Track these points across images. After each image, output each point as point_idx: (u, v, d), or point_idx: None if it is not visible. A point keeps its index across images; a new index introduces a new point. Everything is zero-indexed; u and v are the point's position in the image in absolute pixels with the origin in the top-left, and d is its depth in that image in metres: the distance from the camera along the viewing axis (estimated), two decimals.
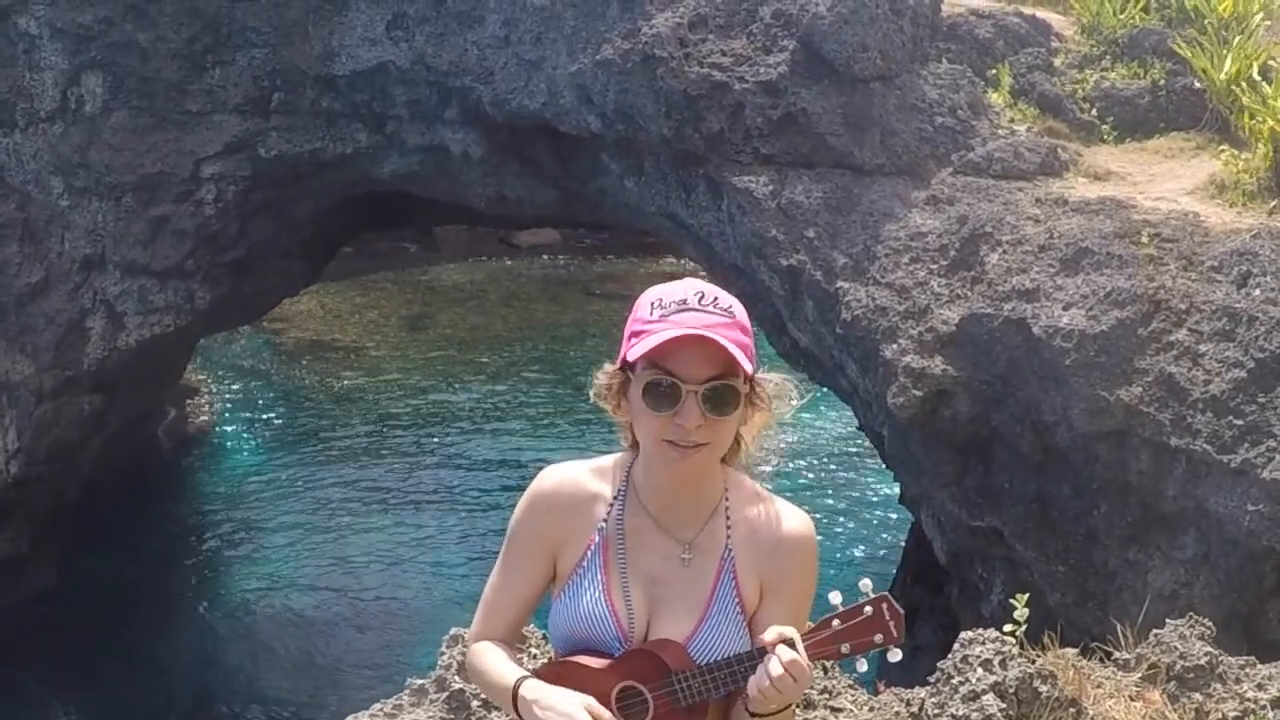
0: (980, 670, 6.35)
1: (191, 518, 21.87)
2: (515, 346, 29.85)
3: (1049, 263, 11.45)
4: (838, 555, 19.30)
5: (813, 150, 13.05)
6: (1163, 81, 13.70)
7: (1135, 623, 7.46)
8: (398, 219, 23.53)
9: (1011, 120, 13.48)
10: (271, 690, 17.19)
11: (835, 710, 6.47)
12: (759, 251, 13.18)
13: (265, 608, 18.94)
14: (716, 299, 3.73)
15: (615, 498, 3.98)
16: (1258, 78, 13.01)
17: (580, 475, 4.05)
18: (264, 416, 25.99)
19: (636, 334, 3.73)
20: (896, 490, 15.84)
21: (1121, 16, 14.28)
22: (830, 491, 21.94)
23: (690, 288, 3.76)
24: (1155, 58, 13.90)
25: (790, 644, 3.55)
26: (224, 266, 17.16)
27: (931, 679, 6.58)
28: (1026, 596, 6.76)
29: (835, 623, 3.61)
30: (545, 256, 35.98)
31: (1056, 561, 11.25)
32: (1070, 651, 6.78)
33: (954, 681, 6.39)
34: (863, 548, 20.15)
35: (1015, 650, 6.48)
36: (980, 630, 6.65)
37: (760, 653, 3.61)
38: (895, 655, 3.62)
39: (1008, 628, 6.60)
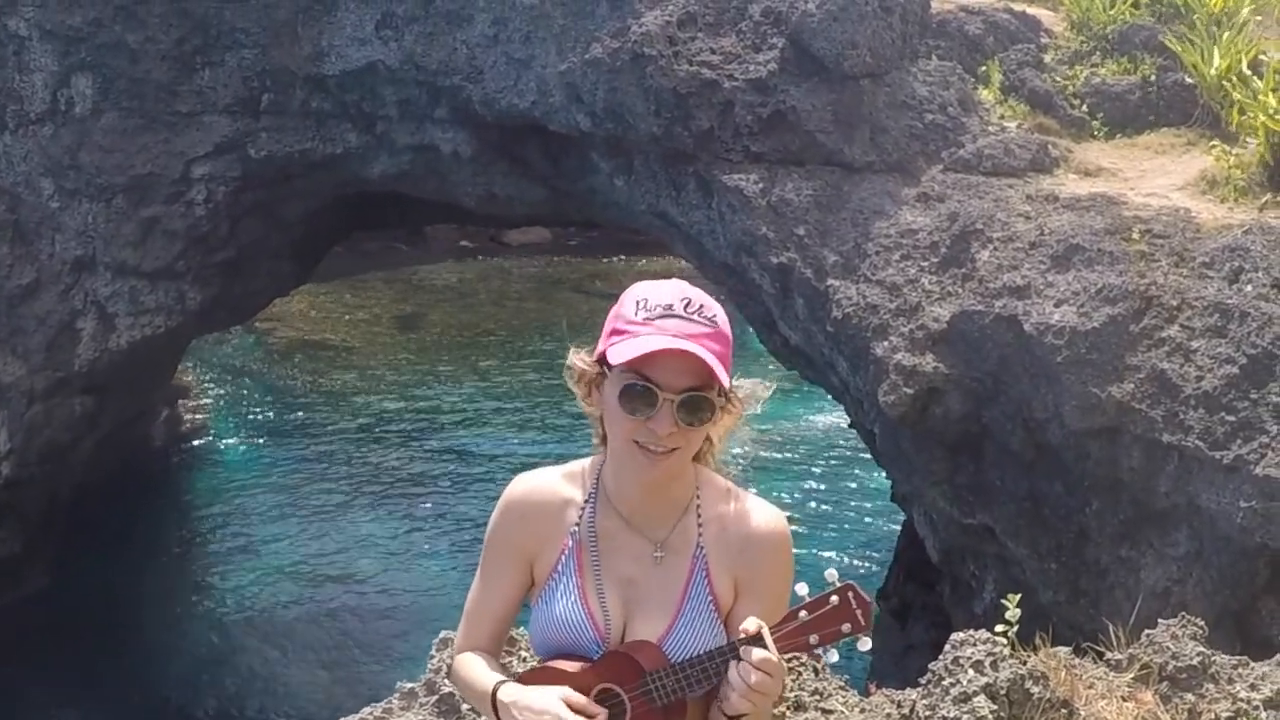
0: (971, 671, 6.33)
1: (184, 518, 21.85)
2: (506, 345, 29.87)
3: (1040, 259, 11.44)
4: (829, 554, 19.26)
5: (802, 148, 13.05)
6: (1153, 77, 13.70)
7: (1128, 621, 7.46)
8: (388, 219, 23.51)
9: (1002, 117, 13.48)
10: (262, 692, 17.16)
11: (826, 712, 6.45)
12: (749, 249, 13.16)
13: (256, 610, 18.92)
14: (702, 307, 3.71)
15: (587, 501, 3.97)
16: (1248, 72, 13.00)
17: (551, 481, 4.05)
18: (256, 416, 25.97)
19: (619, 332, 3.72)
20: (888, 488, 15.84)
21: (1111, 12, 14.27)
22: (821, 490, 21.93)
23: (677, 292, 3.74)
24: (1145, 53, 13.90)
25: (759, 640, 3.53)
26: (214, 267, 17.14)
27: (923, 680, 6.56)
28: (1018, 597, 6.73)
29: (802, 614, 3.58)
30: (536, 256, 35.98)
31: (1048, 559, 11.24)
32: (1062, 651, 6.75)
33: (945, 683, 6.37)
34: (854, 546, 20.12)
35: (1006, 651, 6.46)
36: (971, 631, 6.63)
37: (731, 648, 3.60)
38: (865, 644, 3.59)
39: (999, 628, 6.58)
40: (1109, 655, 6.84)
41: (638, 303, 3.73)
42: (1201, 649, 6.63)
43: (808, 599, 3.60)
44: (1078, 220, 11.61)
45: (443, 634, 6.83)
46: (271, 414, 26.12)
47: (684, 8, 13.56)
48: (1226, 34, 13.40)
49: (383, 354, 29.48)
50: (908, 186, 12.72)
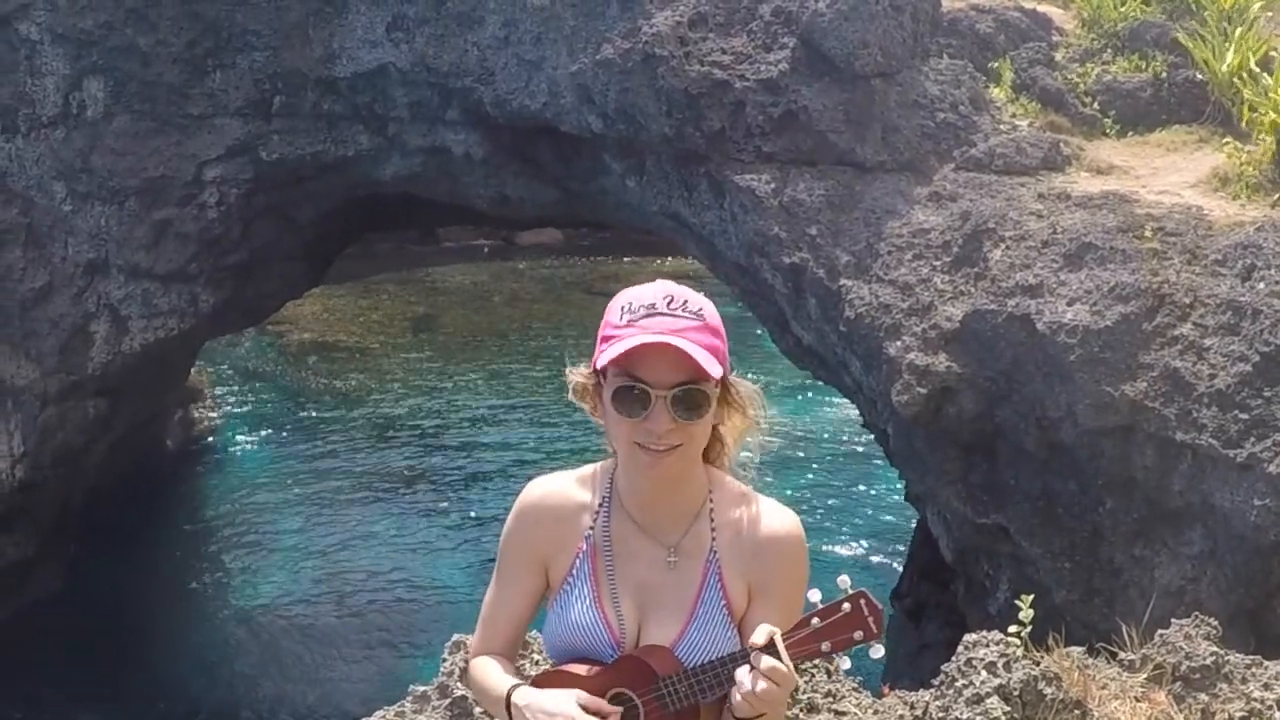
0: (984, 673, 6.33)
1: (197, 521, 21.89)
2: (519, 346, 29.89)
3: (1052, 258, 11.43)
4: (844, 554, 19.28)
5: (814, 148, 13.04)
6: (1164, 74, 13.67)
7: (1141, 619, 7.44)
8: (400, 220, 23.53)
9: (1013, 115, 13.46)
10: (276, 694, 17.19)
11: (839, 714, 6.45)
12: (761, 250, 13.16)
13: (271, 611, 18.95)
14: (686, 302, 3.72)
15: (600, 506, 3.97)
16: (1258, 69, 12.98)
17: (565, 485, 4.05)
18: (269, 418, 26.01)
19: (607, 339, 3.73)
20: (902, 488, 15.83)
21: (1122, 9, 14.26)
22: (835, 489, 21.93)
23: (660, 291, 3.74)
24: (1156, 50, 13.88)
25: (772, 647, 3.53)
26: (227, 270, 17.15)
27: (935, 681, 6.56)
28: (1031, 598, 6.72)
29: (814, 621, 3.58)
30: (548, 257, 36.00)
31: (1062, 558, 11.23)
32: (1075, 651, 6.75)
33: (958, 684, 6.37)
34: (868, 546, 20.11)
35: (1019, 652, 6.46)
36: (984, 632, 6.63)
37: (743, 654, 3.60)
38: (877, 651, 3.58)
39: (1012, 629, 6.57)
40: (1122, 655, 6.84)
41: (622, 308, 3.74)
42: (1215, 649, 6.62)
43: (820, 606, 3.59)
44: (1090, 218, 11.60)
45: (455, 637, 6.83)
46: (285, 415, 26.15)
47: (695, 8, 13.55)
48: (1238, 31, 13.37)
49: (396, 355, 29.51)
50: (920, 186, 12.71)
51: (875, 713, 6.52)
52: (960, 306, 11.67)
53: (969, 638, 6.63)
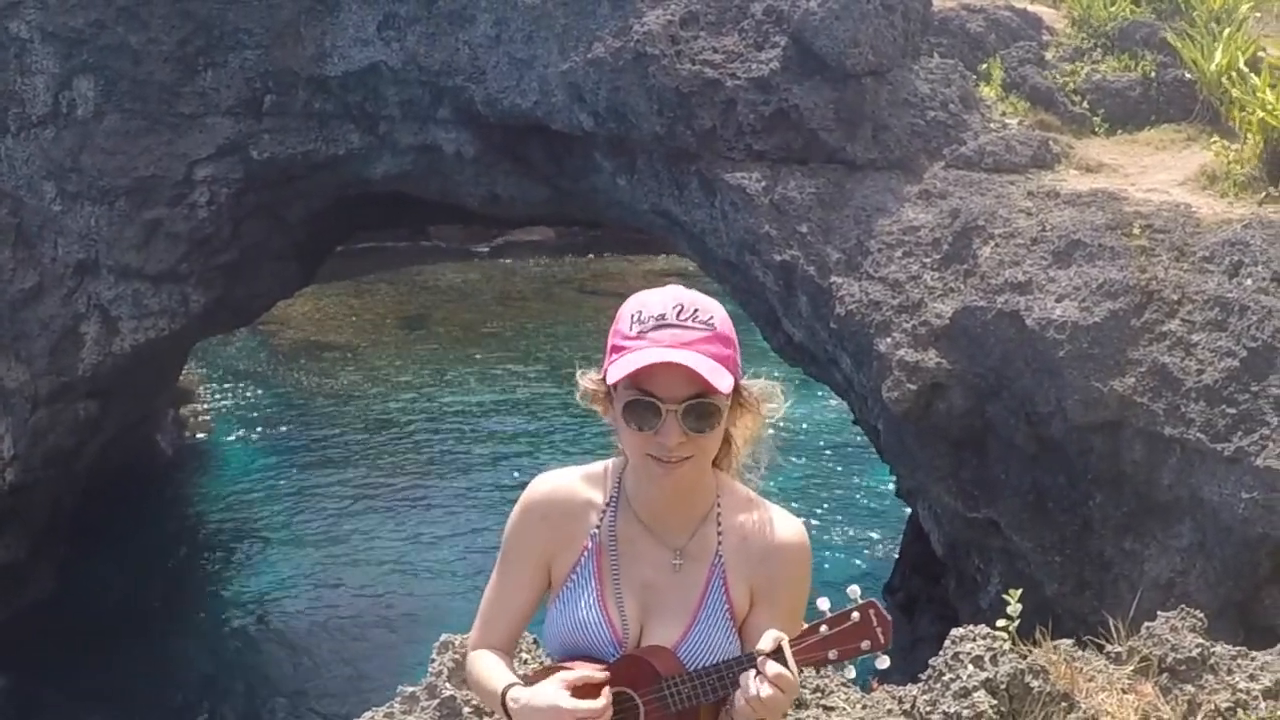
0: (971, 667, 6.35)
1: (190, 522, 21.86)
2: (511, 345, 29.86)
3: (1041, 255, 11.47)
4: (835, 549, 19.29)
5: (805, 146, 13.07)
6: (1153, 73, 13.73)
7: (1130, 612, 7.47)
8: (391, 219, 23.53)
9: (1003, 114, 13.51)
10: (266, 694, 17.16)
11: (828, 709, 6.47)
12: (752, 248, 13.18)
13: (261, 612, 18.93)
14: (696, 311, 3.67)
15: (608, 505, 3.96)
16: (1246, 69, 13.02)
17: (572, 482, 4.03)
18: (261, 418, 25.97)
19: (617, 349, 3.69)
20: (893, 483, 15.86)
21: (1112, 9, 14.31)
22: (826, 485, 21.94)
23: (670, 300, 3.70)
24: (1146, 50, 13.93)
25: (779, 654, 3.54)
26: (218, 269, 17.13)
27: (923, 676, 6.58)
28: (1019, 592, 6.74)
29: (823, 629, 3.57)
30: (539, 255, 36.00)
31: (1053, 552, 11.27)
32: (1064, 644, 6.77)
33: (945, 678, 6.39)
34: (860, 541, 20.13)
35: (1006, 646, 6.47)
36: (971, 627, 6.65)
37: (749, 659, 3.59)
38: (884, 662, 3.57)
39: (1000, 623, 6.59)
40: (1109, 648, 6.86)
41: (632, 316, 3.69)
42: (1201, 641, 6.65)
43: (829, 614, 3.59)
44: (1079, 216, 11.64)
45: (444, 637, 6.83)
46: (276, 416, 26.12)
47: (686, 7, 13.58)
48: (1226, 31, 13.42)
49: (387, 355, 29.49)
50: (910, 184, 12.75)
51: (864, 708, 6.54)
52: (950, 303, 11.71)
53: (956, 632, 6.65)
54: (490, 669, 4.00)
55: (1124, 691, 6.42)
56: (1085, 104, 13.77)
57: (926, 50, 13.78)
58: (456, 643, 6.69)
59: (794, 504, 17.01)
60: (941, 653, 6.57)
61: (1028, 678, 6.27)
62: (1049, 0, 15.39)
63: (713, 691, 3.68)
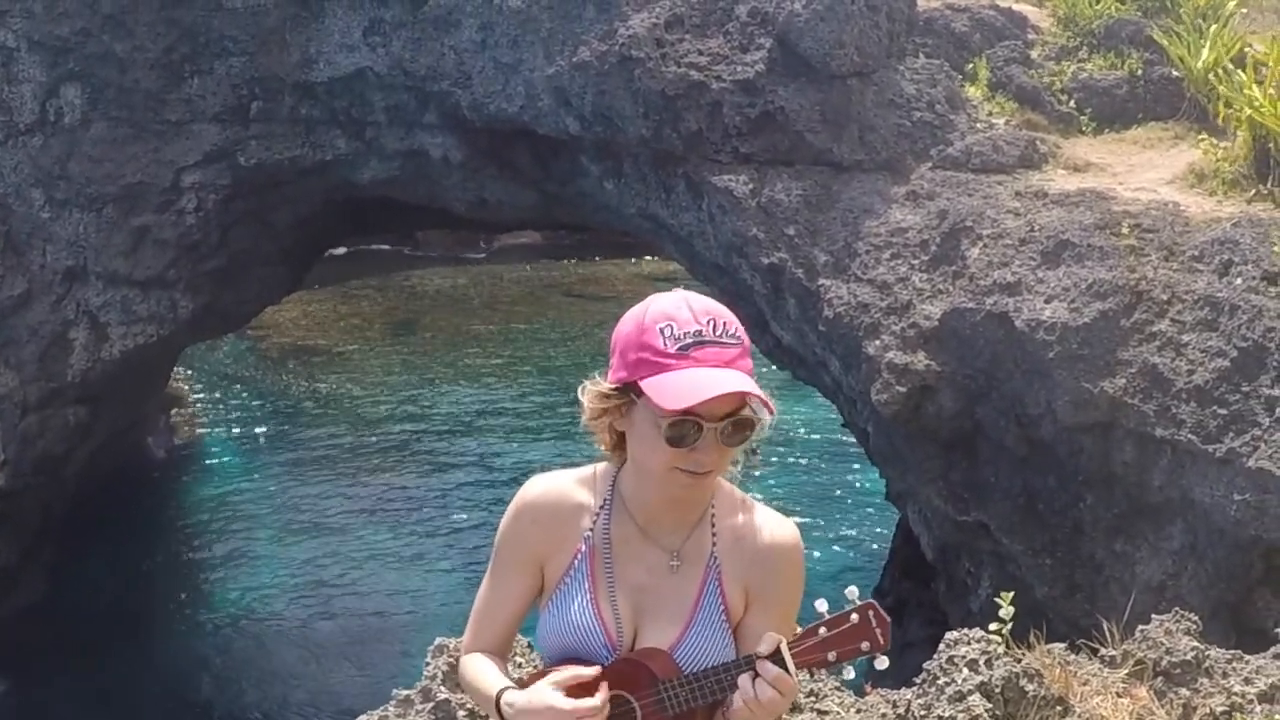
0: (966, 670, 6.34)
1: (180, 526, 21.85)
2: (499, 349, 29.88)
3: (1030, 256, 11.46)
4: (825, 553, 19.30)
5: (791, 148, 13.06)
6: (1140, 71, 13.73)
7: (1123, 615, 7.46)
8: (378, 224, 23.51)
9: (990, 113, 13.51)
10: (258, 699, 17.18)
11: (822, 713, 6.46)
12: (740, 250, 13.17)
13: (252, 617, 18.93)
14: (726, 324, 3.65)
15: (601, 507, 3.94)
16: (1232, 66, 13.02)
17: (565, 485, 4.02)
18: (249, 423, 25.97)
19: (651, 365, 3.63)
20: (882, 486, 15.85)
21: (1097, 7, 14.31)
22: (815, 489, 21.95)
23: (699, 312, 3.66)
24: (1132, 48, 13.93)
25: (778, 656, 3.54)
26: (206, 275, 17.13)
27: (918, 680, 6.57)
28: (1011, 595, 6.73)
29: (822, 630, 3.57)
30: (527, 260, 36.02)
31: (1043, 555, 11.25)
32: (1057, 648, 6.76)
33: (940, 682, 6.38)
34: (850, 544, 20.15)
35: (1001, 650, 6.47)
36: (965, 630, 6.64)
37: (747, 661, 3.59)
38: (882, 663, 3.57)
39: (993, 627, 6.59)
40: (1103, 651, 6.85)
41: (662, 330, 3.63)
42: (1195, 644, 6.64)
43: (828, 615, 3.59)
44: (1067, 216, 11.63)
45: (438, 641, 6.83)
46: (265, 420, 26.13)
47: (671, 10, 13.56)
48: (1213, 28, 13.42)
49: (375, 359, 29.50)
50: (897, 185, 12.74)
51: (858, 711, 6.54)
52: (939, 305, 11.70)
53: (950, 635, 6.64)
54: (484, 673, 3.99)
55: (1118, 695, 6.41)
56: (1072, 103, 13.77)
57: (912, 50, 13.78)
58: (451, 646, 6.68)
59: (783, 507, 16.98)
60: (936, 656, 6.57)
61: (1022, 681, 6.26)
62: None
63: (710, 694, 3.67)
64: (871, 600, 3.57)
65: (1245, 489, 9.88)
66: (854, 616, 3.56)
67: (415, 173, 16.40)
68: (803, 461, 22.80)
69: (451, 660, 6.54)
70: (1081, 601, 10.96)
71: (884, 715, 6.51)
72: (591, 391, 3.80)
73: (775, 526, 3.93)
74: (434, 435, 25.04)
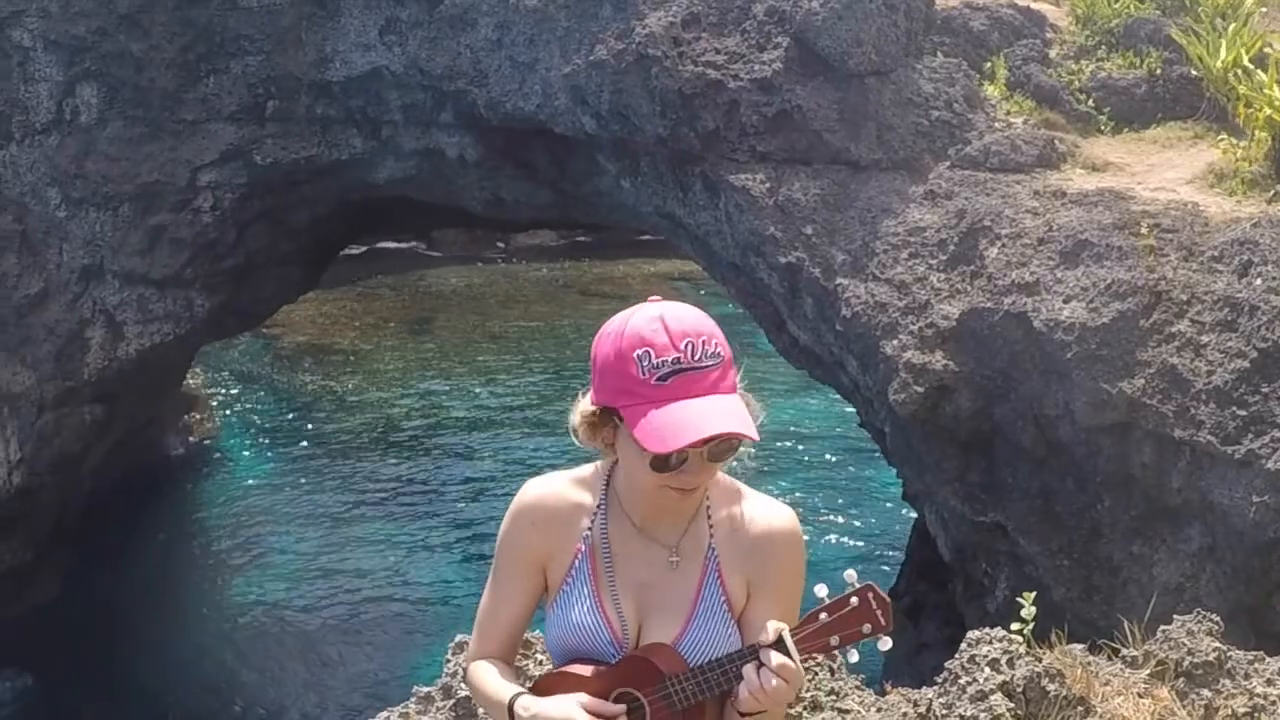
0: (988, 670, 6.32)
1: (195, 525, 21.90)
2: (514, 348, 29.89)
3: (1048, 255, 11.42)
4: (841, 553, 19.27)
5: (809, 147, 13.03)
6: (1159, 70, 13.67)
7: (1141, 617, 7.43)
8: (394, 223, 23.54)
9: (1008, 113, 13.46)
10: (278, 697, 17.21)
11: (843, 711, 6.43)
12: (757, 249, 13.15)
13: (269, 614, 18.96)
14: (704, 344, 3.60)
15: (598, 507, 3.95)
16: (1252, 65, 12.97)
17: (562, 486, 4.02)
18: (265, 422, 26.03)
19: (630, 394, 3.61)
20: (899, 487, 15.83)
21: (1116, 6, 14.26)
22: (832, 489, 21.92)
23: (676, 336, 3.59)
24: (1151, 47, 13.87)
25: (781, 644, 3.52)
26: (222, 274, 17.17)
27: (939, 679, 6.55)
28: (1033, 595, 6.72)
29: (823, 616, 3.56)
30: (543, 259, 36.03)
31: (1061, 556, 11.22)
32: (1078, 649, 6.74)
33: (961, 681, 6.36)
34: (866, 545, 20.12)
35: (1022, 649, 6.45)
36: (987, 630, 6.61)
37: (751, 651, 3.59)
38: (885, 644, 3.56)
39: (1014, 626, 6.57)
40: (1124, 652, 6.82)
41: (639, 360, 3.59)
42: (1217, 644, 6.61)
43: (828, 600, 3.58)
44: (1086, 216, 11.58)
45: (459, 637, 6.81)
46: (280, 419, 26.18)
47: (688, 8, 13.54)
48: (1232, 26, 13.37)
49: (391, 358, 29.53)
50: (915, 184, 12.70)
51: (879, 710, 6.51)
52: (957, 305, 11.66)
53: (972, 635, 6.62)
54: (492, 680, 3.99)
55: (1140, 696, 6.39)
56: (1090, 102, 13.72)
57: (929, 49, 13.73)
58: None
59: (799, 507, 16.98)
60: (957, 655, 6.54)
61: (1044, 681, 6.24)
62: None
63: (717, 686, 3.68)
64: (870, 582, 3.57)
65: (1264, 491, 9.83)
66: (854, 600, 3.56)
67: (431, 172, 16.40)
68: (818, 461, 22.77)
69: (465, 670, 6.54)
70: (1099, 603, 10.93)
71: (905, 714, 6.48)
72: (579, 412, 3.82)
73: (771, 514, 3.93)
74: (450, 433, 25.07)
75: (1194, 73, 13.46)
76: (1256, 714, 6.28)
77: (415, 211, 19.66)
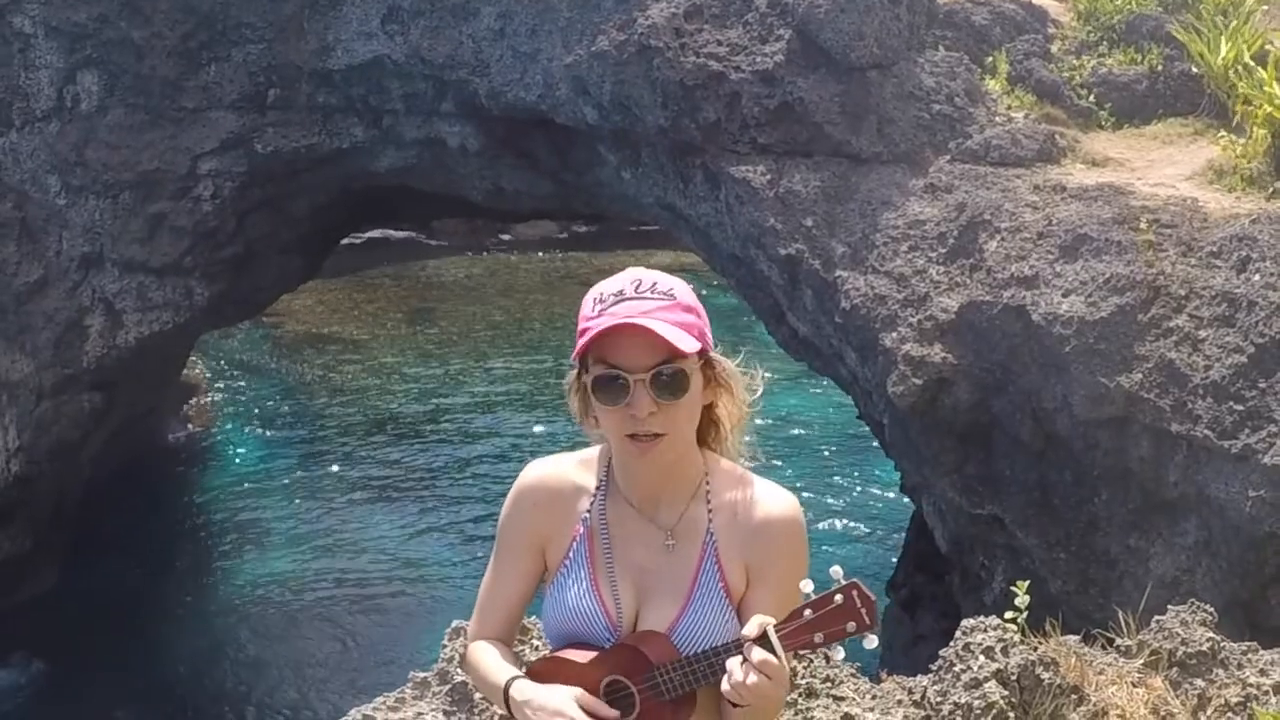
0: (982, 658, 6.34)
1: (193, 514, 21.90)
2: (514, 338, 29.89)
3: (1048, 249, 11.43)
4: (839, 545, 19.28)
5: (810, 139, 13.03)
6: (1160, 67, 13.67)
7: (1137, 609, 7.45)
8: (395, 213, 23.54)
9: (1009, 107, 13.46)
10: (275, 685, 17.22)
11: (838, 699, 6.46)
12: (757, 241, 13.16)
13: (268, 603, 18.97)
14: (655, 284, 3.71)
15: (597, 489, 3.96)
16: (1253, 62, 12.98)
17: (563, 468, 4.04)
18: (264, 410, 26.01)
19: (582, 333, 3.71)
20: (897, 479, 15.84)
21: (1118, 2, 14.27)
22: (830, 481, 21.93)
23: (629, 277, 3.74)
24: (1152, 43, 13.87)
25: (765, 639, 3.53)
26: (222, 263, 17.16)
27: (934, 667, 6.57)
28: (1027, 583, 6.75)
29: (807, 612, 3.55)
30: (543, 249, 36.02)
31: (1058, 549, 11.24)
32: (1072, 639, 6.77)
33: (956, 669, 6.38)
34: (863, 537, 20.13)
35: (1017, 638, 6.47)
36: (982, 618, 6.64)
37: (738, 645, 3.58)
38: (871, 642, 3.56)
39: (1009, 615, 6.59)
40: (1119, 641, 6.85)
41: (594, 299, 3.73)
42: (1211, 635, 6.64)
43: (813, 597, 3.58)
44: (1085, 210, 11.59)
45: (455, 623, 6.83)
46: (279, 408, 26.18)
47: (690, 0, 13.56)
48: (1233, 23, 13.38)
49: (391, 347, 29.52)
50: (915, 177, 12.70)
51: (874, 698, 6.53)
52: (956, 298, 11.67)
53: (967, 623, 6.64)
54: (490, 661, 4.01)
55: (1134, 685, 6.42)
56: (1091, 97, 13.72)
57: (931, 43, 13.74)
58: (466, 628, 6.68)
59: (800, 495, 16.92)
60: (952, 644, 6.57)
61: (1038, 669, 6.26)
62: None
63: (704, 678, 3.68)
64: (855, 580, 3.56)
65: (1261, 485, 9.86)
66: (838, 597, 3.55)
67: (432, 161, 16.40)
68: (816, 453, 22.78)
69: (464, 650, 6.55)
70: (1095, 596, 10.95)
71: (900, 702, 6.51)
72: (566, 384, 3.91)
73: (773, 500, 3.91)
74: (450, 422, 25.07)
75: (1195, 69, 13.47)
76: (1249, 704, 6.31)
77: (416, 201, 19.66)
